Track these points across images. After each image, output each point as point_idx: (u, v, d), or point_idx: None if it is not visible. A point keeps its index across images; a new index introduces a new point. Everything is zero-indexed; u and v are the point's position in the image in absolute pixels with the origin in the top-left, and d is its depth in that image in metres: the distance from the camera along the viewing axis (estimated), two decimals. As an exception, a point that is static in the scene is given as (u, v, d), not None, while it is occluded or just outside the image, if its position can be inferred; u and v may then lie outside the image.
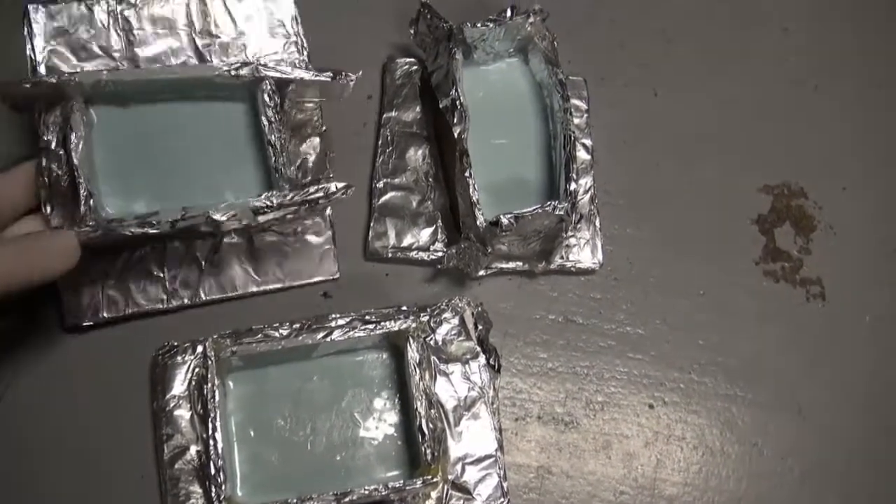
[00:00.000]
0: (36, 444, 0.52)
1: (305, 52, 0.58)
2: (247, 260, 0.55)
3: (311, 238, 0.56)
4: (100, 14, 0.55)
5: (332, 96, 0.57)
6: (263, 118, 0.53)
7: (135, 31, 0.56)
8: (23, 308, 0.53)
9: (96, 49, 0.55)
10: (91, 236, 0.48)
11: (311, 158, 0.57)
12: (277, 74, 0.53)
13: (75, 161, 0.49)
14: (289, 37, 0.58)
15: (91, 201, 0.49)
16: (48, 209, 0.49)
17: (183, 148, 0.54)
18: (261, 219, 0.51)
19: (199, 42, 0.56)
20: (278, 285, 0.55)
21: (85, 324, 0.53)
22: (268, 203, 0.50)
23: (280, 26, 0.58)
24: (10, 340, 0.53)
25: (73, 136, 0.49)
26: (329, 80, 0.54)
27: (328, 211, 0.57)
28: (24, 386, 0.53)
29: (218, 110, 0.55)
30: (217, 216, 0.49)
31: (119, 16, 0.55)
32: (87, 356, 0.54)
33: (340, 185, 0.51)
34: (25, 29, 0.54)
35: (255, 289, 0.55)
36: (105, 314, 0.53)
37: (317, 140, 0.58)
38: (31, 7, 0.54)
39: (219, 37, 0.57)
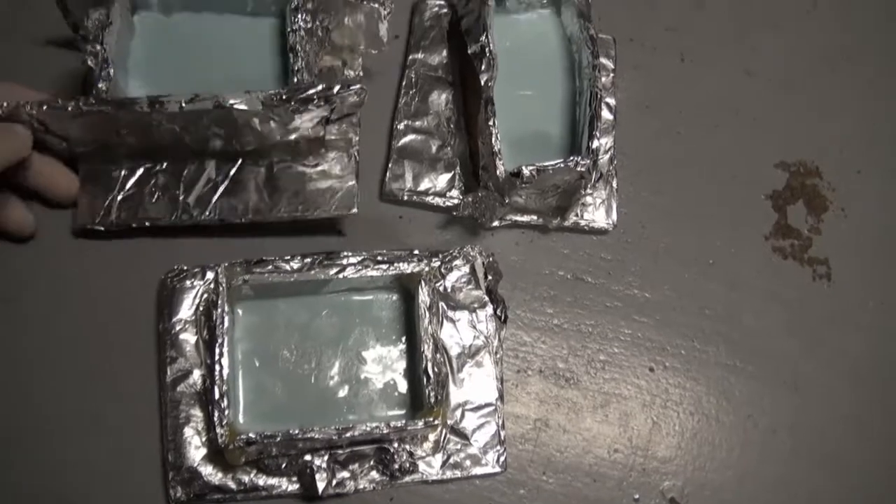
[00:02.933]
0: (36, 352, 0.52)
1: None
2: (264, 186, 0.54)
3: (334, 172, 0.55)
4: None
5: (369, 42, 0.57)
6: (288, 26, 0.55)
7: None
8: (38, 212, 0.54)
9: None
10: (102, 109, 0.49)
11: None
12: None
13: (101, 46, 0.52)
14: None
15: (107, 81, 0.52)
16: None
17: (215, 59, 0.57)
18: (270, 119, 0.51)
19: None
20: (293, 214, 0.54)
21: (94, 227, 0.53)
22: (277, 95, 0.50)
23: None
24: (24, 245, 0.54)
25: (109, 27, 0.53)
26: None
27: (355, 147, 0.55)
28: (32, 289, 0.53)
29: (255, 25, 0.58)
30: (227, 102, 0.49)
31: None
32: (96, 271, 0.54)
33: (355, 86, 0.50)
34: None
35: (268, 214, 0.54)
36: (114, 219, 0.53)
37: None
38: None
39: None
